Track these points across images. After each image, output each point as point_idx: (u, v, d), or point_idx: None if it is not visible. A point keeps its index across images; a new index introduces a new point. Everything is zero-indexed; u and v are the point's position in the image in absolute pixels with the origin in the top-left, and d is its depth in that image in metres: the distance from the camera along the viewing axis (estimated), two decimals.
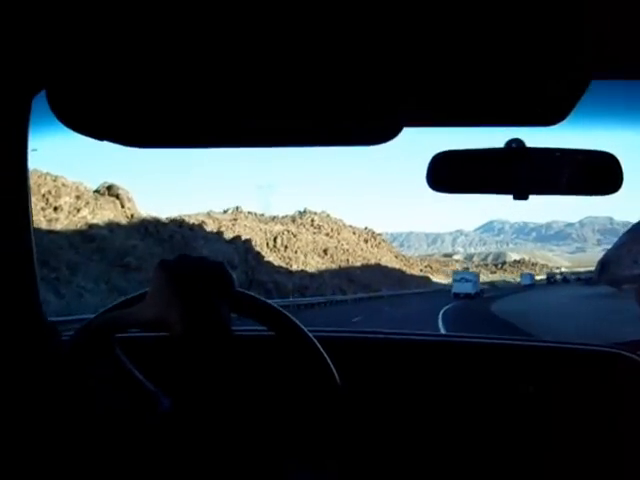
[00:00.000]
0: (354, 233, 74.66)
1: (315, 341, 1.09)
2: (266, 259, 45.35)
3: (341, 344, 1.44)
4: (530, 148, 1.09)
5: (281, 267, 45.30)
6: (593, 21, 0.80)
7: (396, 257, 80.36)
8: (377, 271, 62.72)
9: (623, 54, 0.92)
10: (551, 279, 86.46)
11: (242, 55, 0.97)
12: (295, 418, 1.12)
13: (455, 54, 0.93)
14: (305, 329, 1.10)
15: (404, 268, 75.14)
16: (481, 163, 1.12)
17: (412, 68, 0.98)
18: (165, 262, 0.92)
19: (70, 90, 1.05)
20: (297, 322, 1.10)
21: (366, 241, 75.18)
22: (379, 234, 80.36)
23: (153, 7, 0.83)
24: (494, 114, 1.12)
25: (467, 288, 52.41)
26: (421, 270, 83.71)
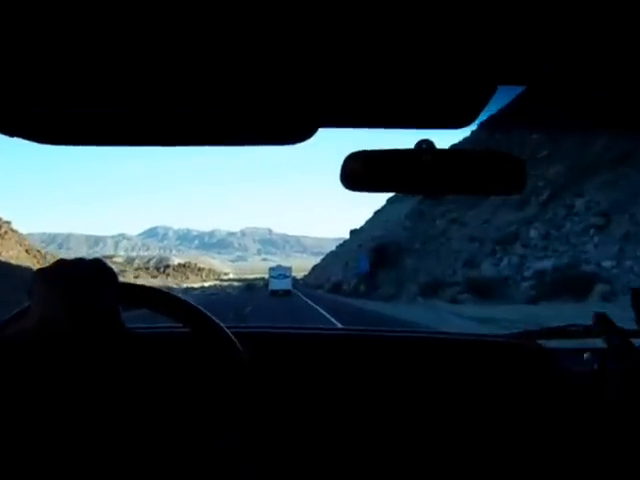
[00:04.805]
0: None
1: (203, 311, 1.15)
2: None
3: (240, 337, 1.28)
4: (439, 149, 1.11)
5: None
6: (498, 30, 0.85)
7: (28, 252, 61.86)
8: None
9: (525, 61, 0.96)
10: None
11: (150, 49, 0.91)
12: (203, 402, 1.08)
13: (370, 59, 0.95)
14: (199, 308, 1.17)
15: (38, 266, 57.68)
16: (393, 163, 1.13)
17: (328, 70, 0.99)
18: (42, 269, 0.93)
19: None
20: (184, 300, 1.16)
21: None
22: (7, 222, 60.69)
23: None
24: (406, 117, 1.17)
25: (286, 284, 46.68)
26: None
